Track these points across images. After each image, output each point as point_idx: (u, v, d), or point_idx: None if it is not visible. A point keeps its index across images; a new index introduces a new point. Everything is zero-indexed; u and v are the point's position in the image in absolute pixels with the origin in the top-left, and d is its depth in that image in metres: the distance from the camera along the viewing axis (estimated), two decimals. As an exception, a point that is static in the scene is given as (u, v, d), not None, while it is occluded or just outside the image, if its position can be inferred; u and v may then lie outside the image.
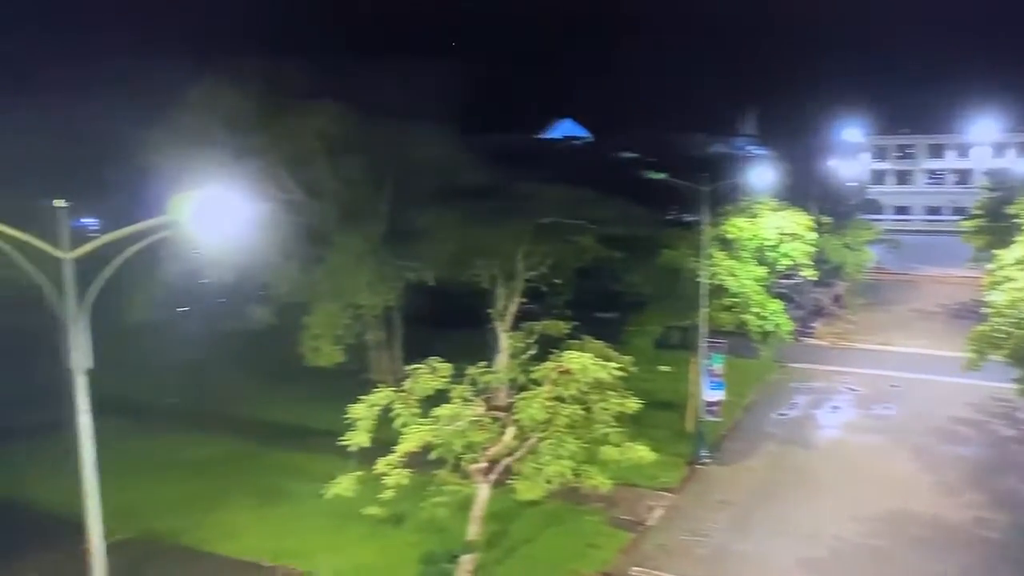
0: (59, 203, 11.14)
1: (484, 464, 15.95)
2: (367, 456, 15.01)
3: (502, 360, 22.74)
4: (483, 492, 16.20)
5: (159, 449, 24.49)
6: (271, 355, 30.59)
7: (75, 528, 12.64)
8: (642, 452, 16.00)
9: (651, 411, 17.52)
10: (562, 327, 18.41)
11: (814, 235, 28.00)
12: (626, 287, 30.64)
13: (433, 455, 15.43)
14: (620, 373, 15.78)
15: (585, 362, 15.59)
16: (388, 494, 14.73)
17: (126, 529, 18.13)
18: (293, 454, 24.05)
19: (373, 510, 15.10)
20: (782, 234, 27.39)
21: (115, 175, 26.80)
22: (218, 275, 27.05)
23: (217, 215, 10.83)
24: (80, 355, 11.43)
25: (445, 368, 15.91)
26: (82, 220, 28.47)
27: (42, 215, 11.26)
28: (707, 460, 24.75)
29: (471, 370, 16.11)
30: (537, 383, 15.88)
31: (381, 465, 14.88)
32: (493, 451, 15.89)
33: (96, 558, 12.17)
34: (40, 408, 13.99)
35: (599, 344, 17.02)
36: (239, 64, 27.60)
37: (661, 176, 27.84)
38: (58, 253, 11.12)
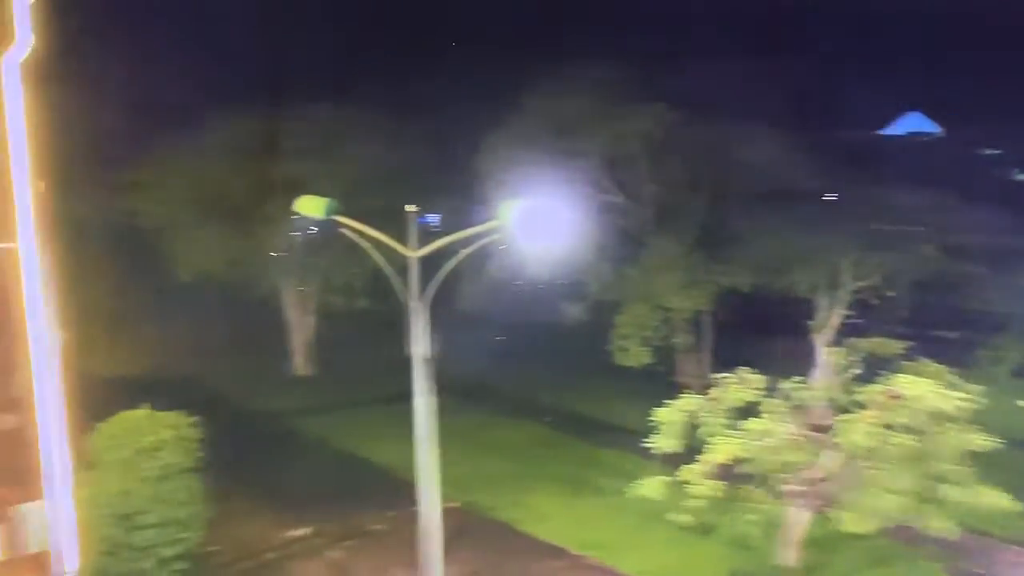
0: (410, 208, 12.66)
1: (799, 486, 15.03)
2: (671, 460, 14.90)
3: (820, 376, 21.14)
4: (798, 516, 15.28)
5: (479, 428, 26.62)
6: (581, 350, 31.71)
7: (412, 490, 14.33)
8: (994, 497, 13.84)
9: (1010, 451, 15.07)
10: (894, 346, 16.61)
11: None
12: (979, 305, 26.74)
13: (741, 469, 14.89)
14: (966, 404, 13.82)
15: (921, 388, 13.88)
16: (694, 502, 14.54)
17: (451, 498, 20.04)
18: (597, 448, 24.67)
19: (679, 516, 15.05)
20: None
21: (456, 176, 29.75)
22: (538, 272, 28.75)
23: (540, 220, 11.48)
24: (420, 343, 12.88)
25: (757, 379, 15.25)
26: (426, 217, 32.01)
27: (396, 216, 12.86)
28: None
29: (785, 384, 15.24)
30: (861, 406, 14.51)
31: (686, 473, 14.75)
32: (809, 474, 14.89)
33: (428, 520, 13.70)
34: (397, 380, 16.11)
35: (940, 368, 15.06)
36: (570, 69, 28.96)
37: (1033, 176, 23.74)
38: (407, 252, 12.63)
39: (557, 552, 18.72)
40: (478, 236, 12.31)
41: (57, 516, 14.71)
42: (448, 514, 15.52)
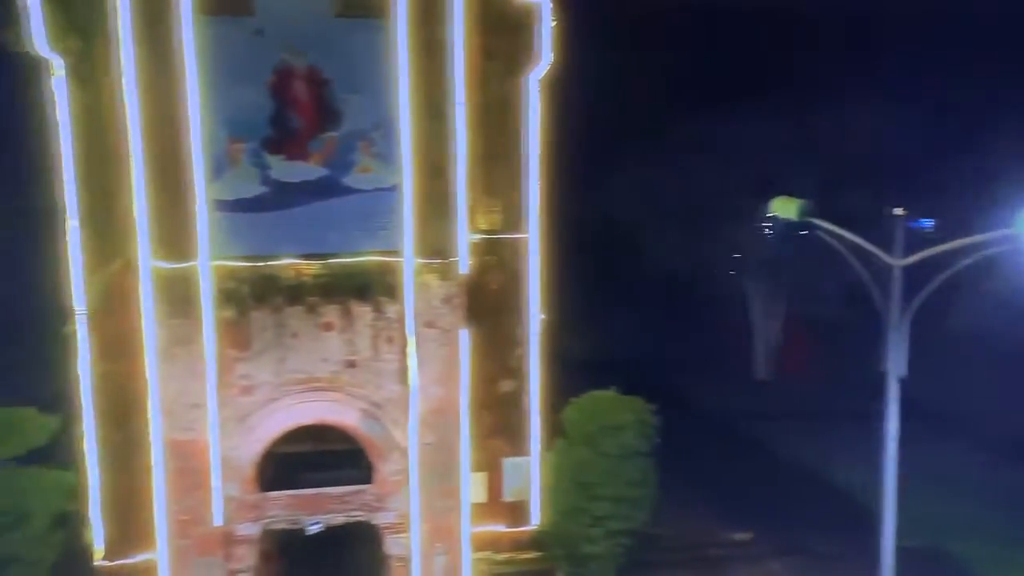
0: (896, 211, 11.58)
1: None
2: None
3: None
4: None
5: (958, 465, 23.38)
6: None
7: (869, 518, 13.17)
8: None
9: None
10: None
11: None
12: None
13: None
14: None
15: None
16: None
17: (918, 536, 17.86)
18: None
19: None
20: None
21: (962, 176, 26.30)
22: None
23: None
24: (896, 361, 11.76)
25: None
26: (920, 221, 28.89)
27: (881, 219, 11.87)
28: None
29: None
30: None
31: None
32: None
33: (887, 555, 12.51)
34: (864, 397, 15.06)
35: None
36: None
37: None
38: (889, 260, 11.61)
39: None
40: (983, 245, 10.72)
41: (533, 474, 16.90)
42: (912, 555, 13.97)
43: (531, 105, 15.65)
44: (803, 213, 12.02)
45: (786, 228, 12.16)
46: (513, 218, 16.16)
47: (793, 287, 31.13)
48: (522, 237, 16.14)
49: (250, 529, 14.37)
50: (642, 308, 34.04)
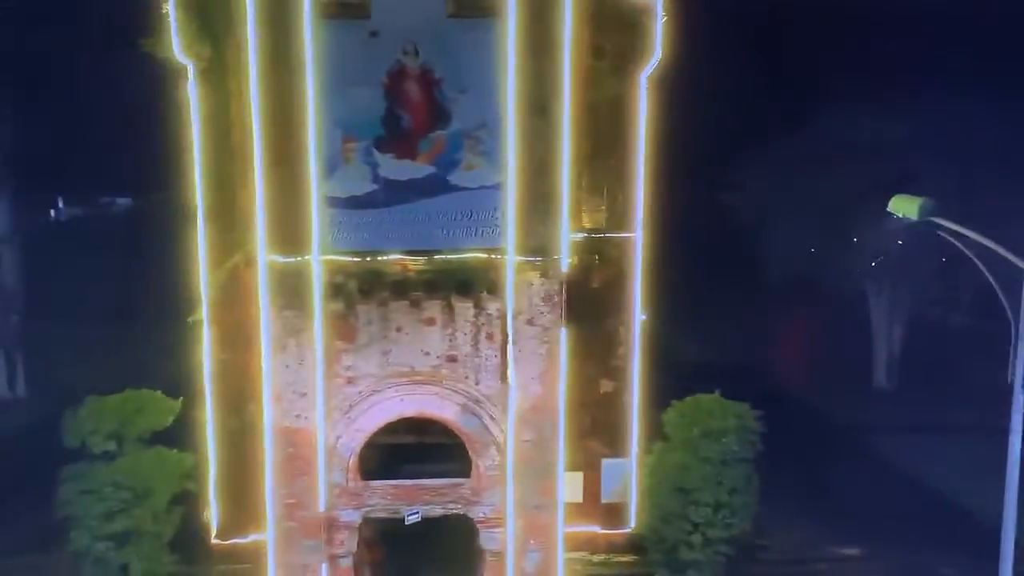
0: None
1: None
2: None
3: None
4: None
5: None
6: None
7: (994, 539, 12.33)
8: None
9: None
10: None
11: None
12: None
13: None
14: None
15: None
16: None
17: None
18: None
19: None
20: None
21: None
22: None
23: None
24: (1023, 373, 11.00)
25: None
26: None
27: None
28: None
29: None
30: None
31: None
32: None
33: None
34: (990, 410, 14.04)
35: None
36: None
37: None
38: (1020, 263, 10.87)
39: None
40: None
41: (631, 476, 16.69)
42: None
43: (639, 103, 15.52)
44: (925, 212, 11.35)
45: (906, 228, 11.55)
46: (619, 217, 16.04)
47: (917, 290, 29.44)
48: (628, 236, 16.00)
49: (351, 516, 14.78)
50: (750, 309, 32.98)
